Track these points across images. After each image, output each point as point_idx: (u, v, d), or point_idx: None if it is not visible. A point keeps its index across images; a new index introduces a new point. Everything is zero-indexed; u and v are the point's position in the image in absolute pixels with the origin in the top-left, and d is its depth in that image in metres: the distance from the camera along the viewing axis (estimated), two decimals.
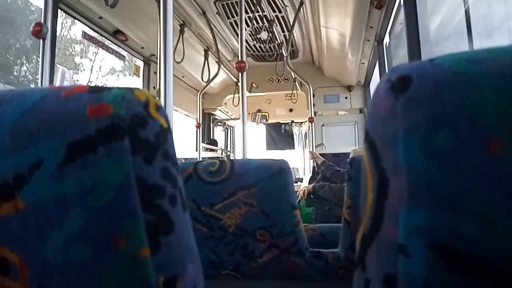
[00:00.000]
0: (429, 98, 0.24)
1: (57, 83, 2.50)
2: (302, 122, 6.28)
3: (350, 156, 1.29)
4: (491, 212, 0.23)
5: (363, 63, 3.88)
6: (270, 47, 3.96)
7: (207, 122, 5.36)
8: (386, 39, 3.24)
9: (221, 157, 5.19)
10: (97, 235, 0.29)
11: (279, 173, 1.01)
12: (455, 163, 0.24)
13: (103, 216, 0.28)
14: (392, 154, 0.25)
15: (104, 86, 0.32)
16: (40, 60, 1.66)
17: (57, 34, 2.24)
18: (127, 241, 0.29)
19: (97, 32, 2.86)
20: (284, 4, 3.16)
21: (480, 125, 0.23)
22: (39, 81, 1.66)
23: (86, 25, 2.73)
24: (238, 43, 2.09)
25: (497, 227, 0.23)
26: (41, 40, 1.68)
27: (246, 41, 3.83)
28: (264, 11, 3.17)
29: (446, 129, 0.24)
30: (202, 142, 4.48)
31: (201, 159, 4.01)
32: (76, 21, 2.65)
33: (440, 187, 0.24)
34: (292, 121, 6.28)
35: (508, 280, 0.23)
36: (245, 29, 3.33)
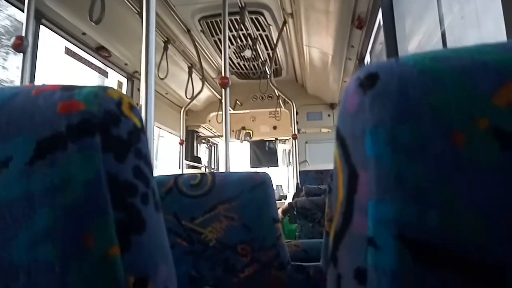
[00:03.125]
0: (395, 94, 0.25)
1: None
2: (286, 140, 6.32)
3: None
4: (455, 203, 0.23)
5: (345, 82, 3.95)
6: (254, 65, 4.01)
7: (190, 139, 5.33)
8: (367, 58, 3.32)
9: None
10: (65, 234, 0.28)
11: (261, 185, 1.01)
12: (421, 156, 0.24)
13: (71, 215, 0.28)
14: (361, 149, 0.26)
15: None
16: (20, 74, 1.64)
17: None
18: (96, 240, 0.28)
19: (80, 48, 2.85)
20: (268, 23, 3.22)
21: (444, 119, 0.24)
22: None
23: (69, 40, 2.71)
24: (222, 60, 2.11)
25: (462, 217, 0.23)
26: (22, 54, 1.66)
27: (230, 58, 3.87)
28: (248, 30, 3.22)
29: (411, 123, 0.25)
30: (185, 159, 4.45)
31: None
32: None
33: (407, 179, 0.24)
34: (276, 139, 6.32)
35: (473, 269, 0.23)
36: (229, 47, 3.37)
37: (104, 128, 0.29)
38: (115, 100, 0.30)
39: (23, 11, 1.78)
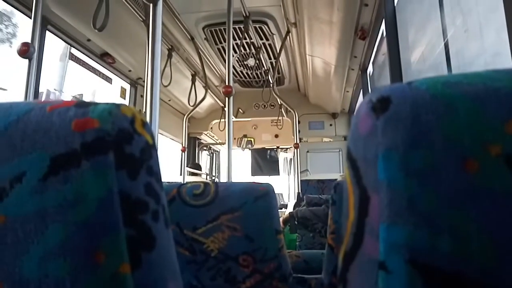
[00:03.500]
0: (407, 119, 0.25)
1: None
2: (287, 148, 6.32)
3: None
4: (467, 229, 0.24)
5: (347, 91, 3.97)
6: (256, 74, 4.03)
7: (192, 146, 5.34)
8: (370, 69, 3.33)
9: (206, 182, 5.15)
10: (76, 250, 0.28)
11: (264, 196, 1.01)
12: (433, 181, 0.24)
13: (83, 231, 0.28)
14: (373, 172, 0.26)
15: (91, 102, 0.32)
16: (25, 80, 1.65)
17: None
18: (107, 257, 0.28)
19: (85, 54, 2.87)
20: (271, 32, 3.24)
21: (456, 145, 0.24)
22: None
23: (74, 47, 2.73)
24: (225, 69, 2.12)
25: (473, 243, 0.23)
26: (27, 60, 1.67)
27: (234, 67, 3.89)
28: (251, 38, 3.24)
29: (423, 148, 0.25)
30: (186, 166, 4.45)
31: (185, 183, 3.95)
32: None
33: (419, 204, 0.24)
34: (278, 147, 6.31)
35: None
36: (233, 55, 3.39)
37: (118, 146, 0.29)
38: (129, 117, 0.31)
39: (30, 17, 1.79)
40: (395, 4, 2.24)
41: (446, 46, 1.99)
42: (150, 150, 0.32)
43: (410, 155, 0.25)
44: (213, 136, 5.66)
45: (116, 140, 0.29)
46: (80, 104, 0.31)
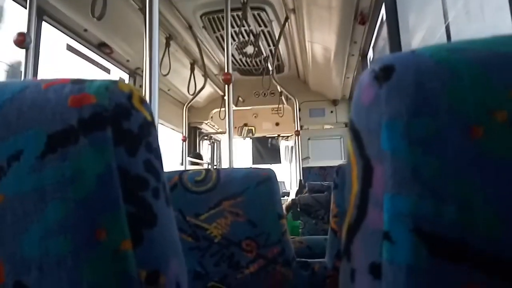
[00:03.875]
0: (411, 86, 0.25)
1: None
2: (288, 136, 6.31)
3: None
4: (472, 197, 0.23)
5: (348, 78, 3.94)
6: (256, 61, 4.00)
7: (193, 136, 5.34)
8: (370, 54, 3.31)
9: None
10: (77, 228, 0.28)
11: (266, 181, 1.01)
12: (437, 150, 0.24)
13: (83, 208, 0.28)
14: (376, 142, 0.25)
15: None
16: (22, 70, 1.64)
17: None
18: (108, 234, 0.28)
19: (82, 45, 2.85)
20: (270, 19, 3.21)
21: (461, 112, 0.24)
22: None
23: (70, 37, 2.71)
24: (224, 57, 2.10)
25: (478, 211, 0.23)
26: (24, 50, 1.66)
27: (232, 55, 3.86)
28: (250, 26, 3.21)
29: (428, 116, 0.24)
30: (187, 155, 4.45)
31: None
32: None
33: (423, 173, 0.24)
34: (279, 135, 6.31)
35: (489, 264, 0.23)
36: (231, 43, 3.36)
37: (115, 122, 0.29)
38: (126, 93, 0.30)
39: (25, 7, 1.77)
40: None
41: (448, 30, 1.96)
42: (149, 126, 0.31)
43: (414, 124, 0.24)
44: (214, 126, 5.65)
45: (114, 116, 0.29)
46: (76, 81, 0.30)
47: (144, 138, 0.31)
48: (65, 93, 0.29)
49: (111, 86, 0.29)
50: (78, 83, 0.30)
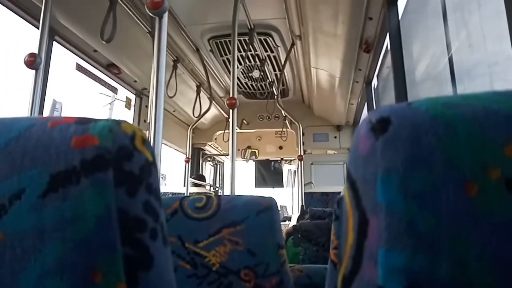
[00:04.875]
0: (407, 140, 0.25)
1: (47, 114, 2.50)
2: (291, 160, 6.30)
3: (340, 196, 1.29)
4: (466, 254, 0.23)
5: (352, 104, 3.97)
6: (261, 85, 4.04)
7: (196, 157, 5.35)
8: (374, 81, 3.34)
9: (209, 193, 5.15)
10: (74, 269, 0.28)
11: (266, 210, 1.00)
12: (432, 205, 0.24)
13: (81, 249, 0.28)
14: (372, 193, 0.26)
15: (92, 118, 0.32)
16: (31, 90, 1.66)
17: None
18: (104, 276, 0.28)
19: (91, 65, 2.90)
20: (276, 44, 3.26)
21: (456, 168, 0.24)
22: (28, 112, 1.65)
23: (80, 57, 2.76)
24: (230, 80, 2.13)
25: (473, 268, 0.23)
26: (34, 71, 1.69)
27: (238, 78, 3.91)
28: (256, 50, 3.26)
29: (423, 170, 0.24)
30: (190, 177, 4.45)
31: (188, 194, 3.95)
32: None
33: (418, 227, 0.24)
34: (282, 159, 6.30)
35: None
36: (237, 67, 3.41)
37: (117, 163, 0.29)
38: (129, 134, 0.31)
39: (37, 28, 1.81)
40: (399, 18, 2.25)
41: (451, 60, 1.99)
42: (150, 167, 0.32)
43: (410, 177, 0.25)
44: (217, 147, 5.66)
45: (116, 158, 0.29)
46: (81, 121, 0.31)
47: (144, 179, 0.31)
48: (69, 134, 0.29)
49: (114, 127, 0.30)
50: (83, 124, 0.30)
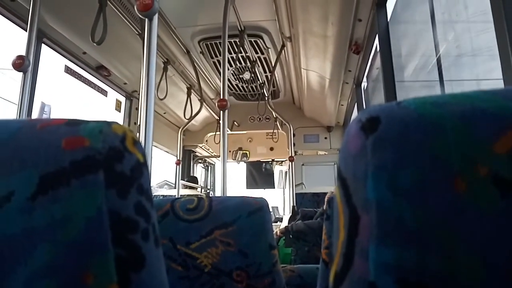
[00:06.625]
0: (396, 138, 0.26)
1: (36, 117, 2.47)
2: (282, 161, 6.32)
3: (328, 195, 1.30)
4: (455, 249, 0.24)
5: (342, 105, 3.99)
6: (252, 87, 4.05)
7: (187, 159, 5.33)
8: (364, 83, 3.36)
9: (200, 195, 5.13)
10: (65, 271, 0.28)
11: (258, 211, 1.00)
12: (421, 200, 0.24)
13: (71, 251, 0.28)
14: (362, 191, 0.26)
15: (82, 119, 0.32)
16: (19, 93, 1.64)
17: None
18: (95, 278, 0.28)
19: (80, 67, 2.87)
20: (267, 46, 3.27)
21: (444, 164, 0.25)
22: (16, 114, 1.63)
23: (69, 59, 2.74)
24: (220, 82, 2.13)
25: (462, 262, 0.23)
26: (22, 73, 1.67)
27: (229, 80, 3.91)
28: (247, 52, 3.27)
29: (412, 167, 0.25)
30: (181, 179, 4.43)
31: (179, 196, 3.91)
32: None
33: (408, 223, 0.24)
34: (273, 160, 6.31)
35: None
36: (228, 69, 3.41)
37: (108, 164, 0.29)
38: (119, 135, 0.31)
39: (25, 30, 1.79)
40: (388, 20, 2.28)
41: (439, 61, 2.01)
42: (141, 168, 0.32)
43: (399, 175, 0.25)
44: (208, 149, 5.65)
45: (106, 159, 0.29)
46: (71, 122, 0.31)
47: (135, 180, 0.31)
48: (59, 135, 0.29)
49: (105, 128, 0.30)
50: (73, 125, 0.30)
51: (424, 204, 0.24)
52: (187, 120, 3.93)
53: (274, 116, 4.47)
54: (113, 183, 0.29)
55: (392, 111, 0.27)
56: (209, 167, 6.42)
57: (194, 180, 5.23)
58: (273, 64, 3.48)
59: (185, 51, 3.25)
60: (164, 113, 4.21)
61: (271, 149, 5.73)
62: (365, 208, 0.26)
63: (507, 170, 0.24)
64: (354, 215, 0.27)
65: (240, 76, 3.70)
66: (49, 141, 0.29)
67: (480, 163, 0.24)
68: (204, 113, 4.43)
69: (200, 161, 5.96)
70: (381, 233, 0.25)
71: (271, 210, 1.16)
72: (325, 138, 4.74)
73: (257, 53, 3.39)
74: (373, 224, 0.25)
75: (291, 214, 3.57)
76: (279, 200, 6.63)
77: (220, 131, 2.06)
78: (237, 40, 2.95)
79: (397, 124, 0.26)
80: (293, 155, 4.19)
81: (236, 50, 3.06)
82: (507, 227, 0.24)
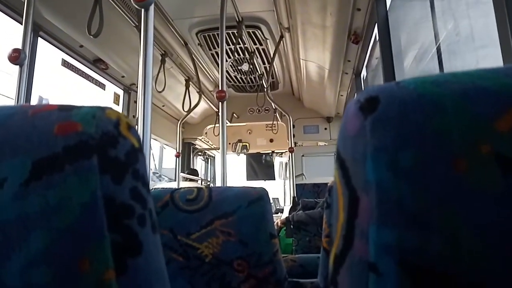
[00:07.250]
0: (395, 118, 0.25)
1: None
2: (282, 153, 6.32)
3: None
4: (457, 229, 0.23)
5: (341, 95, 3.98)
6: (251, 78, 4.03)
7: (187, 151, 5.32)
8: (363, 72, 3.35)
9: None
10: (60, 257, 0.27)
11: (258, 200, 1.00)
12: (422, 181, 0.24)
13: (67, 237, 0.27)
14: (362, 172, 0.25)
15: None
16: (16, 86, 1.63)
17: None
18: (91, 264, 0.27)
19: (77, 60, 2.86)
20: (265, 37, 3.25)
21: (445, 144, 0.24)
22: None
23: (66, 53, 2.72)
24: (219, 74, 2.12)
25: (462, 244, 0.23)
26: (18, 67, 1.66)
27: (228, 72, 3.89)
28: (245, 43, 3.25)
29: (412, 148, 0.24)
30: (181, 171, 4.43)
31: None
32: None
33: (408, 204, 0.24)
34: (273, 152, 6.31)
35: None
36: (226, 61, 3.39)
37: (102, 150, 0.28)
38: (113, 120, 0.30)
39: (21, 23, 1.78)
40: (387, 9, 2.25)
41: (439, 50, 2.00)
42: (136, 153, 0.31)
43: (399, 155, 0.24)
44: (208, 141, 5.65)
45: (100, 144, 0.28)
46: (63, 108, 0.30)
47: (130, 165, 0.30)
48: (51, 121, 0.29)
49: (98, 113, 0.29)
50: (65, 110, 0.30)
51: (424, 185, 0.24)
52: (186, 113, 3.91)
53: (274, 108, 4.45)
54: (108, 169, 0.29)
55: (391, 90, 0.26)
56: (209, 160, 6.43)
57: (194, 172, 5.24)
58: (271, 55, 3.46)
59: (183, 43, 3.23)
60: (163, 105, 4.20)
61: (271, 140, 5.72)
62: (364, 190, 0.25)
63: (509, 148, 0.23)
64: (353, 196, 0.26)
65: (239, 67, 3.69)
66: (42, 127, 0.29)
67: (482, 141, 0.24)
68: (203, 105, 4.42)
69: (200, 153, 5.96)
70: (382, 215, 0.24)
71: (271, 201, 1.16)
72: (325, 128, 4.74)
73: (255, 44, 3.37)
74: (373, 206, 0.25)
75: (291, 205, 3.58)
76: (279, 191, 6.64)
77: (219, 123, 2.06)
78: (235, 31, 2.93)
79: (396, 104, 0.25)
80: (293, 146, 4.18)
81: (234, 41, 3.04)
82: (508, 206, 0.23)
